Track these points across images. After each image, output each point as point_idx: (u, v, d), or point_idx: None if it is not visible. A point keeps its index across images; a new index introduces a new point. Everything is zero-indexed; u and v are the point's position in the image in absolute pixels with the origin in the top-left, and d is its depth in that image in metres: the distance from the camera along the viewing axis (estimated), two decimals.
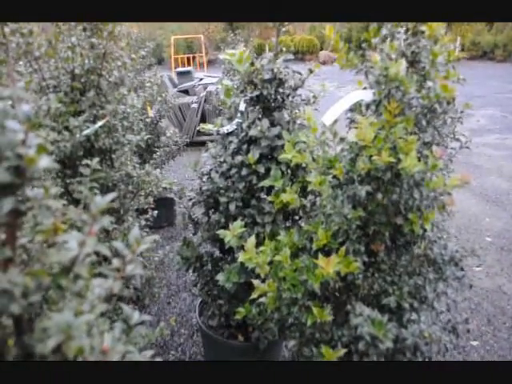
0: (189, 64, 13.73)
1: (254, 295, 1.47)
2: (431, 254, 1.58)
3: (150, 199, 2.41)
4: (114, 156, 2.24)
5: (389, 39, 1.74)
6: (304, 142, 1.63)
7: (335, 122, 1.66)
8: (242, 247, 1.52)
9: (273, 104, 1.95)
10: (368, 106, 1.65)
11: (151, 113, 3.69)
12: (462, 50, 17.51)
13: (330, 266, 1.30)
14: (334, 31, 1.72)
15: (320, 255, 1.35)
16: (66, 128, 1.98)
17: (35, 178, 0.85)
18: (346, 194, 1.46)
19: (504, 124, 8.39)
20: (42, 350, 0.62)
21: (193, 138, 6.46)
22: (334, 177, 1.49)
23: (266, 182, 1.76)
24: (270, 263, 1.47)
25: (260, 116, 1.93)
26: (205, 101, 6.57)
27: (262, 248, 1.48)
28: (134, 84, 3.66)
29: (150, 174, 2.32)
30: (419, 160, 1.38)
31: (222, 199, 1.88)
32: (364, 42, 1.77)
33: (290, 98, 2.00)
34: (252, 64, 1.88)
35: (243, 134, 1.92)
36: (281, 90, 1.92)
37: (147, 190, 2.39)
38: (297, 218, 1.96)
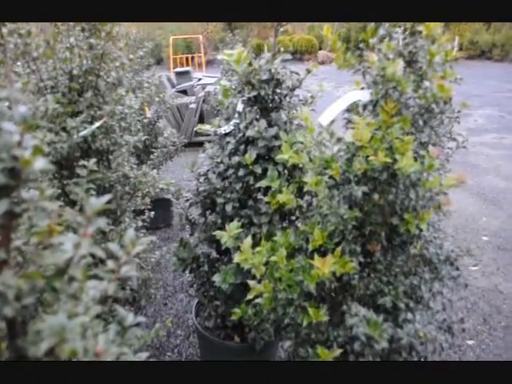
0: (187, 64, 13.72)
1: (249, 296, 1.47)
2: (427, 254, 1.58)
3: (147, 200, 2.40)
4: (111, 157, 2.24)
5: (387, 39, 1.74)
6: (301, 143, 1.63)
7: (332, 122, 1.67)
8: (238, 248, 1.52)
9: (270, 104, 1.95)
10: (365, 107, 1.66)
11: (149, 113, 3.69)
12: (460, 49, 17.50)
13: (325, 267, 1.31)
14: (333, 31, 1.72)
15: (316, 256, 1.35)
16: (64, 129, 1.98)
17: (31, 180, 0.85)
18: (343, 195, 1.46)
19: (502, 123, 8.40)
20: (35, 353, 0.62)
21: (191, 138, 6.46)
22: (331, 177, 1.50)
23: (262, 183, 1.76)
24: (266, 264, 1.47)
25: (257, 116, 1.93)
26: (203, 101, 6.56)
27: (258, 249, 1.48)
28: (133, 84, 3.66)
29: (147, 174, 2.32)
30: (415, 160, 1.38)
31: (219, 200, 1.89)
32: (362, 41, 1.78)
33: (288, 99, 2.00)
34: (250, 64, 1.88)
35: (240, 134, 1.92)
36: (278, 91, 1.93)
37: (144, 191, 2.39)
38: (293, 218, 1.96)
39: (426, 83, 1.64)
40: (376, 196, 1.45)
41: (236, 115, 1.98)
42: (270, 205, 1.75)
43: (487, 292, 3.31)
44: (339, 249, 1.38)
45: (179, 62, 13.89)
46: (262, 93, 1.86)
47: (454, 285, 1.63)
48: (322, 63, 15.56)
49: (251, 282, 1.47)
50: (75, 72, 2.07)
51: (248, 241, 1.46)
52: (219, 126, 2.04)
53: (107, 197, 0.79)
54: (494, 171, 5.88)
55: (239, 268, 1.62)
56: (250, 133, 1.84)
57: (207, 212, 2.03)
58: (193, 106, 6.55)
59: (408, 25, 1.74)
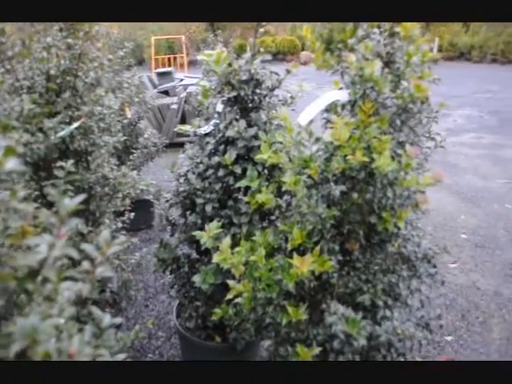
0: (170, 65, 13.63)
1: (229, 296, 1.47)
2: (405, 252, 1.61)
3: (128, 201, 2.39)
4: (90, 158, 2.22)
5: (366, 40, 1.76)
6: (280, 143, 1.64)
7: (311, 122, 1.68)
8: (218, 248, 1.52)
9: (250, 105, 1.95)
10: (343, 106, 1.67)
11: (129, 114, 3.66)
12: (440, 50, 17.80)
13: (304, 266, 1.31)
14: (315, 32, 1.73)
15: (295, 255, 1.36)
16: (40, 130, 1.95)
17: (2, 181, 0.84)
18: (321, 194, 1.47)
19: (480, 124, 8.56)
20: (5, 355, 0.61)
21: (173, 139, 6.42)
22: (309, 176, 1.50)
23: (242, 183, 1.76)
24: (246, 264, 1.47)
25: (237, 117, 1.93)
26: (185, 102, 6.53)
27: (237, 249, 1.48)
28: (112, 85, 3.62)
29: (126, 175, 2.30)
30: (393, 159, 1.40)
31: (199, 200, 1.88)
32: (340, 42, 1.79)
33: (267, 99, 2.00)
34: (229, 65, 1.88)
35: (220, 134, 1.92)
36: (258, 91, 1.93)
37: (124, 192, 2.37)
38: (273, 218, 1.96)
39: (404, 83, 1.66)
40: (354, 195, 1.47)
41: (216, 115, 1.97)
42: (249, 205, 1.75)
43: (465, 289, 3.37)
44: (318, 248, 1.39)
45: (161, 62, 13.80)
46: (242, 93, 1.86)
47: (432, 282, 1.66)
48: (305, 64, 15.61)
49: (231, 282, 1.47)
50: (52, 72, 2.04)
51: (227, 241, 1.46)
52: (199, 127, 2.03)
53: (81, 197, 0.79)
54: (472, 170, 5.99)
55: (219, 268, 1.62)
56: (229, 133, 1.84)
57: (187, 212, 2.02)
58: (174, 106, 6.52)
59: (387, 26, 1.76)
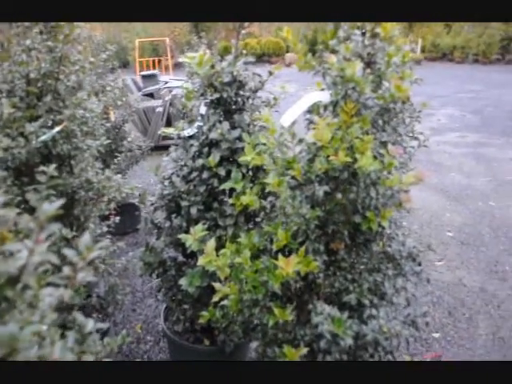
0: (154, 67, 13.57)
1: (215, 298, 1.47)
2: (390, 251, 1.62)
3: (112, 205, 2.36)
4: (73, 162, 2.19)
5: (348, 41, 1.77)
6: (264, 144, 1.64)
7: (293, 123, 1.68)
8: (203, 251, 1.51)
9: (233, 107, 1.95)
10: (326, 107, 1.68)
11: (113, 117, 3.64)
12: (423, 51, 18.02)
13: (289, 266, 1.31)
14: (300, 33, 1.74)
15: (280, 256, 1.36)
16: (21, 134, 1.93)
17: None
18: (305, 195, 1.47)
19: (463, 123, 8.67)
20: None
21: (158, 142, 6.39)
22: (293, 177, 1.51)
23: (226, 185, 1.76)
24: (232, 266, 1.47)
25: (220, 119, 1.93)
26: (170, 104, 6.50)
27: (222, 251, 1.47)
28: (95, 88, 3.59)
29: (111, 179, 2.28)
30: (375, 159, 1.41)
31: (184, 203, 1.88)
32: (322, 43, 1.80)
33: (251, 101, 2.01)
34: (212, 67, 1.87)
35: (204, 137, 1.91)
36: (241, 93, 1.93)
37: (110, 196, 2.34)
38: (259, 219, 1.96)
39: (386, 84, 1.68)
40: (338, 195, 1.47)
41: (199, 118, 1.97)
42: (234, 207, 1.75)
43: (452, 286, 3.41)
44: (303, 248, 1.39)
45: (146, 65, 13.74)
46: (225, 95, 1.86)
47: (417, 280, 1.67)
48: (290, 65, 15.66)
49: (217, 285, 1.47)
50: (33, 75, 2.02)
51: (211, 243, 1.45)
52: (183, 129, 2.03)
53: (60, 202, 0.78)
54: (456, 169, 6.06)
55: (205, 271, 1.62)
56: (213, 135, 1.84)
57: (172, 216, 2.01)
58: (159, 109, 6.49)
59: (368, 27, 1.77)
